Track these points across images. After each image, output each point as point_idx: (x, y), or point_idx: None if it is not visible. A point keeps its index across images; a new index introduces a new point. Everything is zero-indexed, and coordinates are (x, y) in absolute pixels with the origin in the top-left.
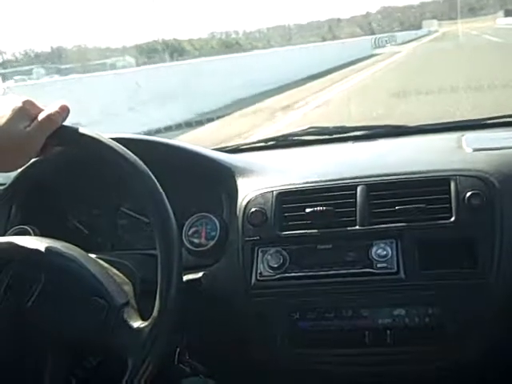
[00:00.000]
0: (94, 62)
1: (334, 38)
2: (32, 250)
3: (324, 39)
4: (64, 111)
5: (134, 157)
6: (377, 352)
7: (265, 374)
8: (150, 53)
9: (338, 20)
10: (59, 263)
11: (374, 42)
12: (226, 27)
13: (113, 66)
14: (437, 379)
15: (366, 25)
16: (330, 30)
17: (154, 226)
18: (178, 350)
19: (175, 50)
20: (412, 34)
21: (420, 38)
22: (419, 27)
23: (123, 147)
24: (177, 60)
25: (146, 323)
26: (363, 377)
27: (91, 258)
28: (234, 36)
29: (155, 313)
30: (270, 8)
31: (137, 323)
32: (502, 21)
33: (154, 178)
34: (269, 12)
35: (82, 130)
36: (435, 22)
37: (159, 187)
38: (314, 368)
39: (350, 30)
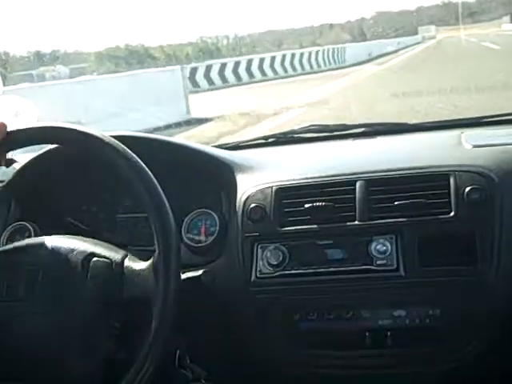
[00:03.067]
0: (17, 73)
1: (315, 45)
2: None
3: (302, 46)
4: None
5: (130, 152)
6: (377, 353)
7: (265, 375)
8: (110, 60)
9: (331, 25)
10: (50, 247)
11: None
12: (216, 32)
13: (41, 77)
14: (437, 380)
15: (358, 30)
16: (321, 36)
17: (152, 223)
18: (179, 353)
19: (140, 57)
20: (393, 43)
21: (404, 48)
22: (415, 33)
23: (120, 143)
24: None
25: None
26: (363, 378)
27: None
28: (225, 41)
29: (154, 311)
30: (263, 13)
31: (142, 265)
32: (508, 26)
33: (150, 173)
34: (262, 17)
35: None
36: (433, 27)
37: (156, 183)
38: (314, 369)
39: (335, 37)
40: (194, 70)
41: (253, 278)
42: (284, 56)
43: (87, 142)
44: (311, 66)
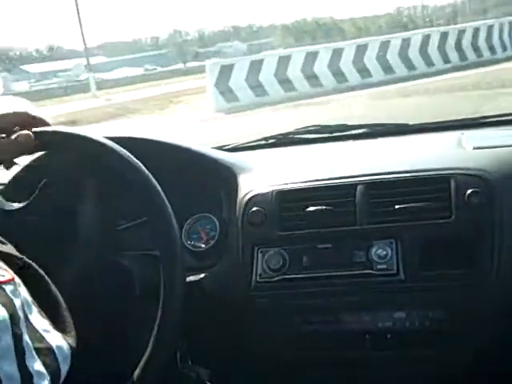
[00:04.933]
0: (200, 50)
1: None
2: None
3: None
4: None
5: (131, 156)
6: (377, 355)
7: (265, 377)
8: (298, 34)
9: None
10: None
11: None
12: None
13: (217, 54)
14: (438, 382)
15: None
16: None
17: (154, 227)
18: (179, 355)
19: (330, 31)
20: None
21: None
22: None
23: (121, 148)
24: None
25: None
26: (364, 380)
27: None
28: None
29: (159, 314)
30: None
31: None
32: None
33: (153, 178)
34: None
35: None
36: None
37: (158, 187)
38: (314, 371)
39: None
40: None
41: (253, 282)
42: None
43: (87, 146)
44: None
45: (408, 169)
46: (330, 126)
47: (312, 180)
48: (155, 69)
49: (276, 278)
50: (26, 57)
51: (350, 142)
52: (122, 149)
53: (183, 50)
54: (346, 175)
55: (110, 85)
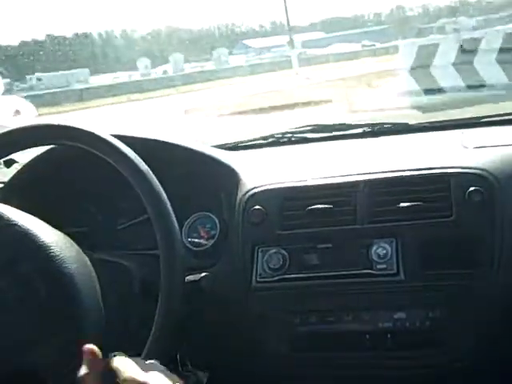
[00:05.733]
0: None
1: None
2: None
3: None
4: None
5: (134, 154)
6: (377, 356)
7: (265, 378)
8: None
9: None
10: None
11: None
12: None
13: (441, 30)
14: (438, 382)
15: None
16: None
17: (154, 225)
18: (179, 356)
19: None
20: None
21: None
22: None
23: (126, 145)
24: None
25: None
26: (364, 380)
27: None
28: None
29: (158, 313)
30: None
31: None
32: None
33: (154, 176)
34: None
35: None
36: None
37: (158, 185)
38: (314, 372)
39: None
40: None
41: (253, 282)
42: None
43: (91, 142)
44: None
45: (409, 168)
46: (329, 125)
47: (312, 179)
48: (373, 45)
49: (276, 278)
50: (249, 32)
51: (350, 141)
52: (124, 146)
53: (404, 26)
54: (346, 174)
55: (321, 61)
